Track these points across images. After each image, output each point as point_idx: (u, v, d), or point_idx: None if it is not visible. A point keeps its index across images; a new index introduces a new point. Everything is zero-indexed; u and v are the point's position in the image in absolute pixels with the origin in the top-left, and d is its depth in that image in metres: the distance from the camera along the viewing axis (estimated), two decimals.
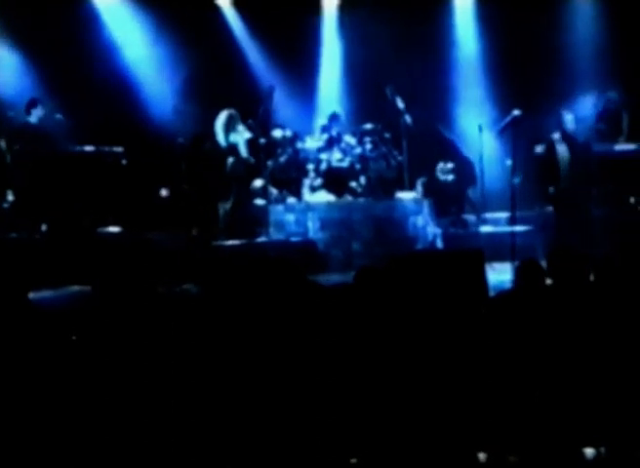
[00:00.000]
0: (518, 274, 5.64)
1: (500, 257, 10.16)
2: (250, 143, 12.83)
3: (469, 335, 5.07)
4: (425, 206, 12.58)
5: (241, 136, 12.83)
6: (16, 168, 12.59)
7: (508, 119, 11.57)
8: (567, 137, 12.13)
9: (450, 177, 13.45)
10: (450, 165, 13.50)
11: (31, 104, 12.57)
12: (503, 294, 5.68)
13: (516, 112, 11.41)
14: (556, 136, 12.12)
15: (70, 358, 5.03)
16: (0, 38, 13.70)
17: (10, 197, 12.77)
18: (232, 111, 12.87)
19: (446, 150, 13.64)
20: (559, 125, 12.22)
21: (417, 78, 13.46)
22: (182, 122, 13.81)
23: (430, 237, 12.34)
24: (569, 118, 12.23)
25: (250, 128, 12.85)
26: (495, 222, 12.74)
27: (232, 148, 12.80)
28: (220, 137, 12.81)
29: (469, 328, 5.13)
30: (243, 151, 12.78)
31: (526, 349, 4.97)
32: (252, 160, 12.78)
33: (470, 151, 13.40)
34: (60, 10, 13.50)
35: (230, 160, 12.80)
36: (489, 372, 4.86)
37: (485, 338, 5.07)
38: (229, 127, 12.79)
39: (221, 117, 12.83)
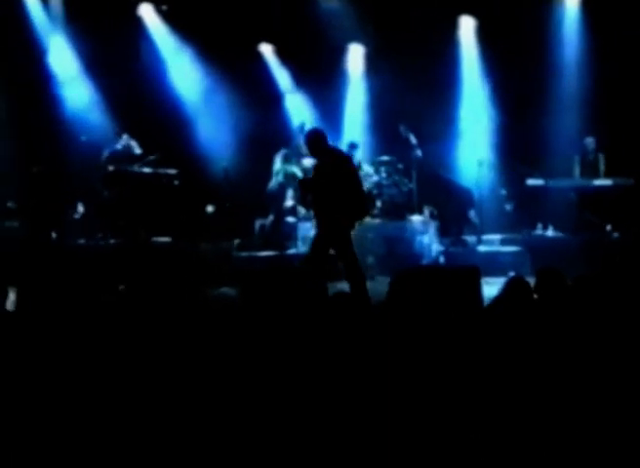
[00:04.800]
0: (506, 288, 5.61)
1: (493, 273, 10.07)
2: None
3: (465, 340, 5.02)
4: (431, 227, 12.54)
5: (295, 167, 12.89)
6: (87, 184, 12.71)
7: None
8: None
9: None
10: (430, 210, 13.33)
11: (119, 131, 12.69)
12: (492, 304, 5.64)
13: None
14: None
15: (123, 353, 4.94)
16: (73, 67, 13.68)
17: (80, 209, 12.85)
18: (287, 148, 12.93)
19: (445, 187, 13.55)
20: None
21: (426, 118, 13.40)
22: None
23: (434, 254, 12.27)
24: None
25: (287, 158, 12.92)
26: (490, 243, 12.67)
27: (289, 175, 12.83)
28: (278, 166, 12.84)
29: (465, 333, 5.09)
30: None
31: (514, 353, 4.91)
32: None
33: (469, 181, 13.36)
34: (120, 38, 13.40)
35: (272, 183, 12.84)
36: (481, 374, 4.79)
37: (478, 343, 5.02)
38: (287, 159, 12.83)
39: (281, 152, 12.90)
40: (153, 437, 4.21)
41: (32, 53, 13.41)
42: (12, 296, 5.45)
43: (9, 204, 12.64)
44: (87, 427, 4.23)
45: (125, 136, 12.80)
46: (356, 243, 12.20)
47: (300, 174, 12.82)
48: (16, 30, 13.17)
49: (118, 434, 4.22)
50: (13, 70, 13.05)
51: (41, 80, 13.44)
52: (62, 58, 13.59)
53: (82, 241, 12.40)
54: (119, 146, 12.74)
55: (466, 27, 14.31)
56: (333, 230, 8.61)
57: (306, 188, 9.36)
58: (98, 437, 4.19)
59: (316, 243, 8.72)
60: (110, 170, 12.54)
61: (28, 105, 13.22)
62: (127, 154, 12.71)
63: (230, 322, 5.40)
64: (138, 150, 12.75)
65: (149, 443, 4.20)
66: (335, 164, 8.64)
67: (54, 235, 12.59)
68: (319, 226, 8.88)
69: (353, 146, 13.31)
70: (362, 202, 9.01)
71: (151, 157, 12.72)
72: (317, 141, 8.75)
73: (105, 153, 12.75)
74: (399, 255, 11.94)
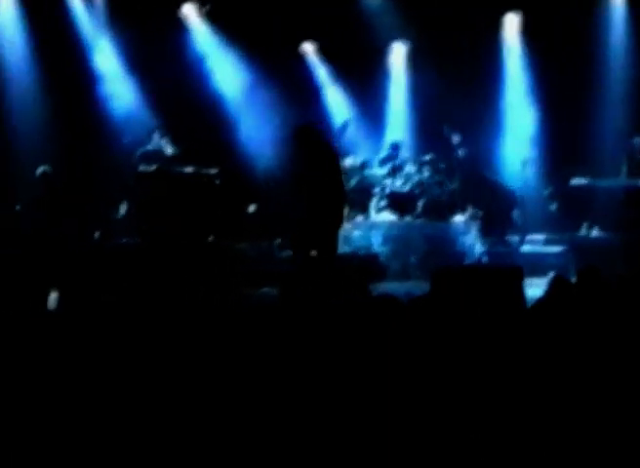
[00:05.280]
0: (548, 288, 5.56)
1: (536, 274, 9.97)
2: None
3: (505, 340, 4.97)
4: (474, 227, 12.47)
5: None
6: (129, 185, 12.78)
7: None
8: None
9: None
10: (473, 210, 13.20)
11: (157, 132, 12.72)
12: (537, 304, 5.58)
13: None
14: None
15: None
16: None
17: (122, 209, 12.94)
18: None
19: (488, 187, 13.44)
20: None
21: (469, 117, 13.32)
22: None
23: (477, 254, 12.21)
24: None
25: None
26: (533, 243, 12.55)
27: None
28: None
29: (506, 333, 5.04)
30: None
31: (554, 354, 4.86)
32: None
33: (513, 180, 13.25)
34: (163, 38, 13.46)
35: None
36: (520, 374, 4.73)
37: (519, 343, 4.97)
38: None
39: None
40: (197, 438, 4.21)
41: (77, 53, 13.51)
42: (53, 296, 5.50)
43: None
44: (130, 428, 4.24)
45: (156, 136, 12.76)
46: (398, 242, 12.31)
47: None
48: (61, 30, 13.28)
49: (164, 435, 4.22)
50: (58, 70, 13.15)
51: (86, 80, 13.53)
52: (107, 58, 13.68)
53: (124, 240, 12.48)
54: (150, 147, 12.74)
55: (510, 24, 14.19)
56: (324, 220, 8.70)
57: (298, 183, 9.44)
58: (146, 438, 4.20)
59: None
60: (141, 170, 12.57)
61: (73, 105, 13.31)
62: (158, 154, 12.71)
63: (271, 322, 5.39)
64: (169, 150, 12.73)
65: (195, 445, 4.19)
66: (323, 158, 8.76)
67: (96, 234, 12.69)
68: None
69: (396, 147, 13.31)
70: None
71: (169, 151, 12.65)
72: (308, 136, 8.86)
73: (137, 153, 12.77)
74: (441, 256, 11.88)
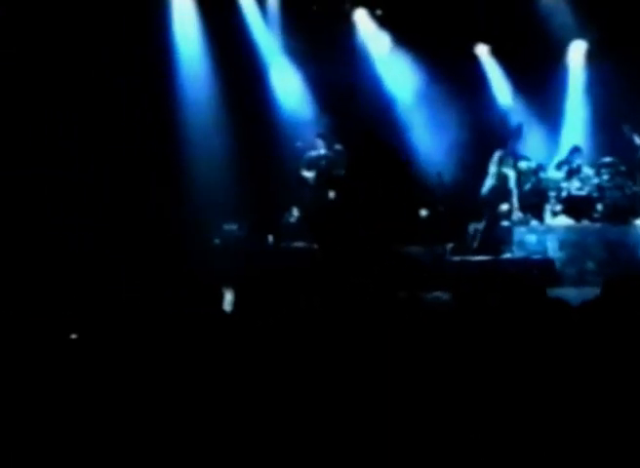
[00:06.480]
0: None
1: None
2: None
3: None
4: None
5: (511, 170, 12.63)
6: (302, 189, 12.97)
7: None
8: None
9: None
10: None
11: (322, 137, 12.85)
12: None
13: None
14: None
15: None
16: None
17: (295, 213, 13.15)
18: (503, 150, 12.68)
19: None
20: None
21: None
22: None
23: None
24: None
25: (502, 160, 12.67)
26: None
27: (504, 178, 12.61)
28: (493, 169, 12.61)
29: None
30: (512, 183, 12.56)
31: None
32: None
33: None
34: (333, 43, 13.60)
35: (488, 185, 12.62)
36: None
37: None
38: (502, 162, 12.57)
39: (496, 154, 12.63)
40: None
41: (253, 61, 13.81)
42: (228, 297, 5.60)
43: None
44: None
45: (319, 141, 12.88)
46: (575, 248, 11.99)
47: (513, 176, 12.55)
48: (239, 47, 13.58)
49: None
50: (233, 73, 13.43)
51: (259, 83, 13.83)
52: (280, 65, 13.94)
53: (297, 244, 12.68)
54: (314, 152, 12.86)
55: None
56: None
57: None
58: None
59: None
60: (303, 175, 12.73)
61: (247, 108, 13.59)
62: (322, 159, 12.82)
63: (445, 326, 5.33)
64: (334, 154, 12.80)
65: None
66: None
67: (270, 238, 12.95)
68: None
69: (575, 151, 13.00)
70: None
71: (334, 156, 12.71)
72: None
73: (303, 158, 12.92)
74: (621, 262, 11.49)
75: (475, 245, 12.49)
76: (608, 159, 12.73)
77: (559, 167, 13.02)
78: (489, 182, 12.63)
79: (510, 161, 12.64)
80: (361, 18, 14.40)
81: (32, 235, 10.81)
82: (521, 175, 12.71)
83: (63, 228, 10.92)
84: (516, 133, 12.96)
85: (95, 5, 11.84)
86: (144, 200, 11.93)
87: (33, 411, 4.06)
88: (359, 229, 12.28)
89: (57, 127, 11.50)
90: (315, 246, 12.36)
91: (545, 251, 12.05)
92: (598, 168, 12.74)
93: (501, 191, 12.61)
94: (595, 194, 12.48)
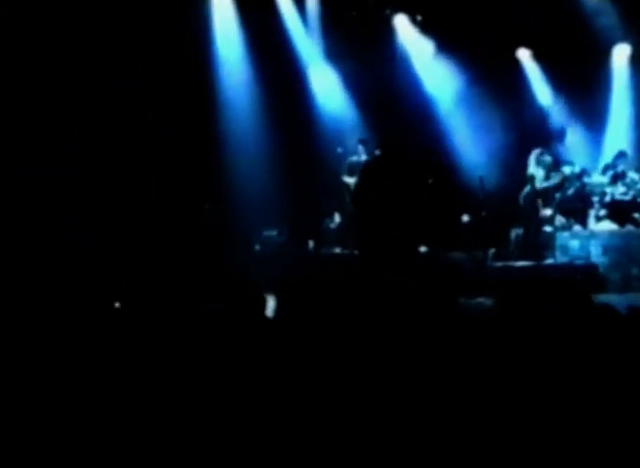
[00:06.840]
0: None
1: None
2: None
3: None
4: None
5: (541, 170, 12.44)
6: (343, 195, 12.96)
7: None
8: None
9: None
10: None
11: (363, 143, 12.84)
12: None
13: None
14: None
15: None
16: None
17: (336, 219, 13.15)
18: (540, 149, 12.52)
19: None
20: None
21: None
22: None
23: None
24: None
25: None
26: None
27: (531, 179, 12.47)
28: (532, 168, 12.45)
29: None
30: (538, 184, 12.42)
31: None
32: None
33: None
34: (376, 52, 13.61)
35: (526, 189, 12.50)
36: None
37: None
38: (538, 161, 12.41)
39: (535, 152, 12.47)
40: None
41: (292, 65, 13.85)
42: (271, 303, 5.62)
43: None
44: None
45: (361, 147, 12.85)
46: (619, 253, 11.84)
47: (540, 182, 12.35)
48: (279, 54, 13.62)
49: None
50: (278, 91, 13.45)
51: (300, 86, 13.85)
52: (320, 70, 13.97)
53: (337, 250, 12.67)
54: (355, 158, 12.83)
55: None
56: None
57: None
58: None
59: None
60: (344, 181, 12.72)
61: (289, 114, 13.61)
62: (362, 164, 12.79)
63: (487, 333, 5.30)
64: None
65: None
66: None
67: (311, 244, 12.95)
68: None
69: (621, 156, 12.88)
70: None
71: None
72: None
73: (345, 164, 12.91)
74: None
75: (517, 250, 12.40)
76: None
77: (604, 171, 12.90)
78: (529, 185, 12.49)
79: (547, 160, 12.39)
80: (401, 23, 14.40)
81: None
82: (565, 180, 12.60)
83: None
84: (559, 135, 12.86)
85: (136, 8, 11.86)
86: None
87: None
88: (400, 235, 12.23)
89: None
90: (356, 252, 12.33)
91: (589, 256, 11.91)
92: None
93: (537, 194, 12.42)
94: None
